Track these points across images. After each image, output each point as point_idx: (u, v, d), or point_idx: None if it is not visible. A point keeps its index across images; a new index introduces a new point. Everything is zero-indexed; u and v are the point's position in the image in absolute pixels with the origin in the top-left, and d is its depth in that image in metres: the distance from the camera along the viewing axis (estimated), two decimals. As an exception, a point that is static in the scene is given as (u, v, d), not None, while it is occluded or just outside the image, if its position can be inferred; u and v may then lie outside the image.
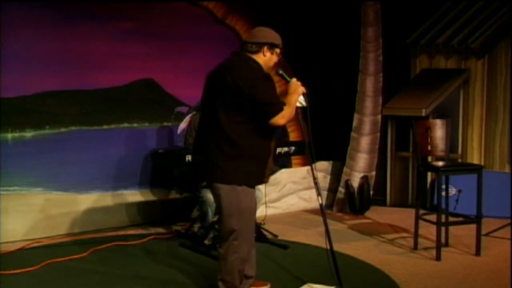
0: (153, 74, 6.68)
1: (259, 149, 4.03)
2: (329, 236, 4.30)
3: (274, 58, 4.11)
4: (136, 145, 6.61)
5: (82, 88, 6.27)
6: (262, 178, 4.15)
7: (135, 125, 6.65)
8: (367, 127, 7.31)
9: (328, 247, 4.30)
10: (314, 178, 4.29)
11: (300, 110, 4.19)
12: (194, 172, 5.28)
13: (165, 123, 6.81)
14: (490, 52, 7.20)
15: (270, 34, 4.10)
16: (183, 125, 6.55)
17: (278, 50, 4.11)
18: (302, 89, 4.10)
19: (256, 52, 4.05)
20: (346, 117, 7.38)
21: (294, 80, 4.15)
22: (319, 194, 4.31)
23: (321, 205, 4.34)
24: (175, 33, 6.75)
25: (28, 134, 6.00)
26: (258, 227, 5.71)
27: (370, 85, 7.26)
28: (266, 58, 4.07)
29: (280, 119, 3.92)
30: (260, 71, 4.03)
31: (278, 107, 3.91)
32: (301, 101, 4.13)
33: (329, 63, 7.51)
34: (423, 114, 6.91)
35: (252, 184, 4.08)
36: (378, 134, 7.40)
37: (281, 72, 4.27)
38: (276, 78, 4.25)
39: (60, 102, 6.18)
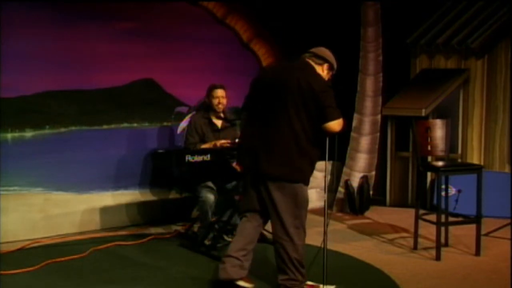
0: (153, 74, 6.68)
1: (317, 153, 4.30)
2: (325, 235, 4.40)
3: (327, 79, 4.42)
4: (136, 145, 6.61)
5: (82, 88, 6.27)
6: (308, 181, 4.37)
7: (135, 125, 6.65)
8: (367, 127, 7.31)
9: (325, 245, 4.41)
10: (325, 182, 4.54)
11: None
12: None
13: (165, 123, 6.81)
14: (490, 52, 7.21)
15: (333, 58, 4.46)
16: (183, 124, 6.54)
17: (331, 74, 4.46)
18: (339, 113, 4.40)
19: (319, 64, 4.39)
20: (346, 117, 7.33)
21: None
22: (325, 191, 4.52)
23: (325, 201, 4.50)
24: (175, 33, 6.75)
25: (28, 134, 6.00)
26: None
27: (370, 85, 7.26)
28: (323, 74, 4.40)
29: (336, 125, 4.22)
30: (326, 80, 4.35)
31: (339, 113, 4.24)
32: None
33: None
34: (423, 114, 6.91)
35: (308, 184, 4.33)
36: (378, 134, 7.40)
37: None
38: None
39: (60, 102, 6.18)
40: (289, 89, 4.19)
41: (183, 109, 6.83)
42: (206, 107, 6.01)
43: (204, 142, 5.88)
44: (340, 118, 4.24)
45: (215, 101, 5.88)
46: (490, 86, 7.22)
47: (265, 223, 4.50)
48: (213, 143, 5.77)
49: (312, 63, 4.36)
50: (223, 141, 5.76)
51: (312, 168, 4.32)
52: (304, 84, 4.16)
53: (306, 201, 4.30)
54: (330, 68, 4.43)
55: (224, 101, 5.89)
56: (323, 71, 4.39)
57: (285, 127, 4.18)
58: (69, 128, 6.24)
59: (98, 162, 6.35)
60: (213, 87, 5.91)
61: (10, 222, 5.81)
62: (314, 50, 4.44)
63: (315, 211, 7.10)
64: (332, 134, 4.28)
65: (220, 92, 5.88)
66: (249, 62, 7.13)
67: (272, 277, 4.63)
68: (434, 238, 5.46)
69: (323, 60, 4.40)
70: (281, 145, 4.19)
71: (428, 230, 5.80)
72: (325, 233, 4.39)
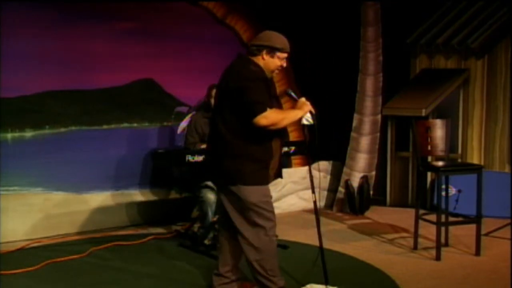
0: (153, 74, 6.68)
1: (258, 150, 4.03)
2: (319, 234, 4.37)
3: (277, 62, 4.09)
4: (136, 145, 6.61)
5: (82, 88, 6.27)
6: (266, 178, 4.10)
7: (135, 125, 6.65)
8: (367, 127, 7.31)
9: (321, 244, 4.38)
10: (312, 182, 4.39)
11: (307, 129, 4.31)
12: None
13: (165, 123, 6.81)
14: (490, 52, 7.20)
15: (273, 38, 4.09)
16: (183, 124, 6.54)
17: (280, 55, 4.09)
18: (308, 107, 4.16)
19: (256, 55, 4.07)
20: (346, 117, 7.38)
21: (302, 99, 4.21)
22: (313, 191, 4.39)
23: (314, 202, 4.41)
24: (175, 33, 6.75)
25: (28, 134, 6.00)
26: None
27: (370, 85, 7.26)
28: (265, 61, 4.07)
29: (261, 119, 3.90)
30: (257, 73, 4.02)
31: (261, 107, 3.91)
32: (308, 119, 4.21)
33: (329, 63, 7.51)
34: (423, 114, 6.91)
35: (257, 183, 4.04)
36: (378, 134, 7.40)
37: (290, 92, 4.37)
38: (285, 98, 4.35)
39: (60, 102, 6.18)
40: (221, 92, 4.12)
41: (183, 109, 6.83)
42: (206, 107, 6.01)
43: (205, 142, 5.88)
44: (264, 112, 3.88)
45: (214, 101, 5.88)
46: (490, 86, 7.22)
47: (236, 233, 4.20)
48: None
49: (250, 57, 4.07)
50: None
51: (256, 166, 4.01)
52: (227, 85, 4.02)
53: (251, 202, 4.01)
54: (271, 51, 4.04)
55: None
56: (263, 58, 4.05)
57: (219, 131, 4.04)
58: (69, 128, 6.24)
59: (98, 162, 6.35)
60: (212, 87, 5.91)
61: (10, 222, 5.81)
62: (252, 40, 4.17)
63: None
64: (265, 129, 3.94)
65: None
66: (249, 62, 7.12)
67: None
68: (434, 238, 5.46)
69: (258, 47, 4.05)
70: (217, 149, 4.06)
71: (428, 230, 5.80)
72: (319, 233, 4.40)
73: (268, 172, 4.11)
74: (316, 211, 4.43)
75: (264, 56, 4.06)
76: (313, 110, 4.20)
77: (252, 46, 4.11)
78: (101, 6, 6.24)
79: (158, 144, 6.70)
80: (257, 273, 4.12)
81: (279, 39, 4.10)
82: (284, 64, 4.15)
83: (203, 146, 5.82)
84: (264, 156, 4.06)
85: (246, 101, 3.91)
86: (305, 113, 4.17)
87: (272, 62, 4.08)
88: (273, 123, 3.95)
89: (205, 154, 4.35)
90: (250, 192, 4.01)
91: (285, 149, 5.84)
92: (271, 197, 4.16)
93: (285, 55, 4.12)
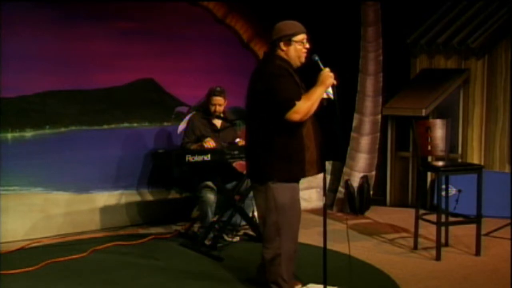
0: (153, 74, 6.68)
1: (289, 144, 3.99)
2: (325, 236, 4.31)
3: (297, 47, 4.08)
4: (136, 145, 6.61)
5: (82, 88, 6.27)
6: (300, 173, 4.08)
7: (135, 125, 6.64)
8: (367, 127, 7.31)
9: (327, 246, 4.32)
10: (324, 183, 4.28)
11: (326, 102, 4.10)
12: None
13: (165, 123, 6.81)
14: (490, 52, 7.20)
15: (282, 27, 4.11)
16: (182, 125, 6.55)
17: (297, 38, 4.08)
18: (331, 80, 4.02)
19: (276, 50, 4.09)
20: (346, 117, 7.37)
21: (326, 70, 4.06)
22: (324, 193, 4.28)
23: (324, 204, 4.31)
24: (175, 33, 6.75)
25: (28, 134, 6.00)
26: (258, 226, 5.70)
27: (370, 85, 7.26)
28: (286, 52, 4.08)
29: (293, 115, 3.90)
30: (281, 66, 4.03)
31: (290, 103, 3.90)
32: (329, 94, 4.05)
33: (329, 63, 7.49)
34: (423, 114, 6.91)
35: (287, 180, 4.03)
36: (378, 134, 7.40)
37: (316, 58, 4.14)
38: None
39: (60, 102, 6.18)
40: (249, 94, 4.16)
41: (183, 109, 6.83)
42: (206, 109, 6.01)
43: (200, 142, 5.89)
44: (294, 107, 3.89)
45: (212, 108, 5.92)
46: (490, 86, 7.21)
47: None
48: (199, 144, 5.79)
49: (274, 53, 4.10)
50: (208, 141, 5.74)
51: (288, 161, 3.99)
52: (252, 85, 4.10)
53: (280, 203, 4.02)
54: (286, 40, 4.07)
55: (221, 108, 5.92)
56: (282, 50, 4.08)
57: (252, 131, 4.13)
58: (69, 128, 6.24)
59: (98, 162, 6.35)
60: (212, 93, 5.90)
61: (10, 222, 5.82)
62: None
63: (315, 211, 7.11)
64: (297, 123, 3.96)
65: (217, 100, 5.89)
66: (249, 62, 7.12)
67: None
68: (434, 238, 5.46)
69: (274, 43, 4.09)
70: (251, 148, 4.16)
71: (428, 230, 5.80)
72: (324, 234, 4.39)
73: (304, 166, 4.05)
74: (324, 213, 4.31)
75: (283, 47, 4.07)
76: (335, 83, 4.05)
77: (269, 45, 4.15)
78: (101, 6, 6.24)
79: (158, 144, 6.70)
80: (269, 277, 4.13)
81: (288, 25, 4.12)
82: (307, 45, 4.12)
83: (193, 146, 5.82)
84: (296, 150, 4.01)
85: (275, 101, 3.91)
86: (327, 87, 4.02)
87: (293, 49, 4.08)
88: (305, 114, 3.94)
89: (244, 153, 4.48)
90: (280, 192, 4.00)
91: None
92: (299, 197, 4.14)
93: (301, 37, 4.11)
